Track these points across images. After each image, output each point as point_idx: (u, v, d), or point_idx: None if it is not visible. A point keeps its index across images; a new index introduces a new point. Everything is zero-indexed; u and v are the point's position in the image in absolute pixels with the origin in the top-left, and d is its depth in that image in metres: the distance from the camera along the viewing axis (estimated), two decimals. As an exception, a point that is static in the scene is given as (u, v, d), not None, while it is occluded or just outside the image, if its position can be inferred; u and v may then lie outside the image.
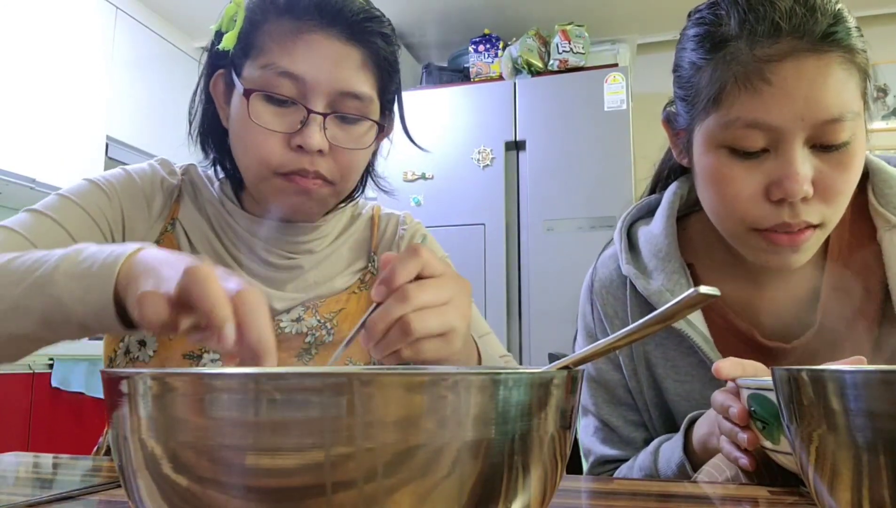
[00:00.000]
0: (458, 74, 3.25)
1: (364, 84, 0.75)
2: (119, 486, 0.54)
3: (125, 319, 0.54)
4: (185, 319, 0.49)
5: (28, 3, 2.54)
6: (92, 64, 2.83)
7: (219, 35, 0.77)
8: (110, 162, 2.90)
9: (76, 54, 2.75)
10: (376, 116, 0.78)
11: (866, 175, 0.76)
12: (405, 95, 0.85)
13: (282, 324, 0.80)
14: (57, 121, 2.65)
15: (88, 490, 0.54)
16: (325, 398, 0.25)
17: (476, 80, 3.10)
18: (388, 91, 0.80)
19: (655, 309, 0.86)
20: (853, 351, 0.72)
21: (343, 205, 0.88)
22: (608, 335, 0.83)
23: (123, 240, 0.78)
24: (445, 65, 3.39)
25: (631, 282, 0.82)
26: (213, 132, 0.83)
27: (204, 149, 0.83)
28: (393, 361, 0.54)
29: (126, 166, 0.83)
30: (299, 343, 0.80)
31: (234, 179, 0.83)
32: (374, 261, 0.88)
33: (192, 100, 0.83)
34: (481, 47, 3.14)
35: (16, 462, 0.66)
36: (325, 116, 0.72)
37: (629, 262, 0.82)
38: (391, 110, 0.84)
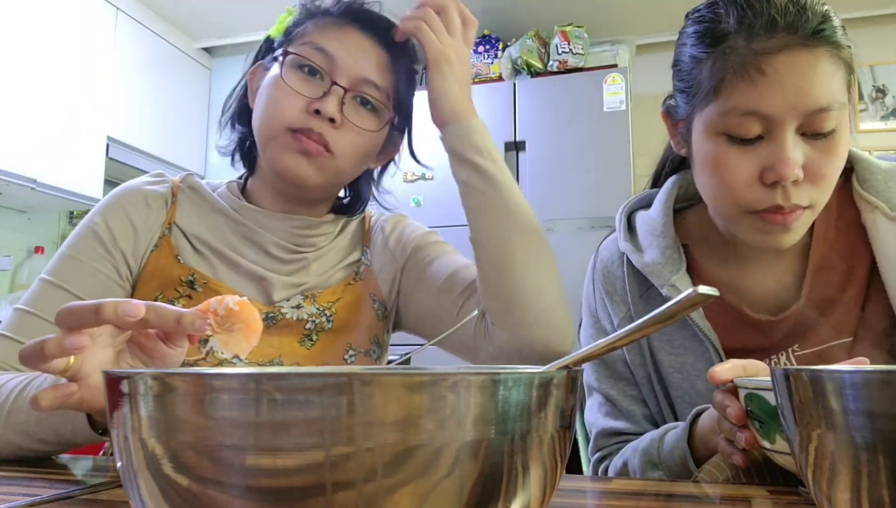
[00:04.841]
0: (458, 75, 3.24)
1: (384, 81, 0.86)
2: (119, 486, 0.54)
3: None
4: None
5: (29, 4, 2.54)
6: (92, 64, 2.83)
7: (268, 40, 0.91)
8: (110, 162, 2.90)
9: (77, 55, 2.75)
10: (387, 119, 0.88)
11: (851, 166, 0.82)
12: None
13: (283, 310, 0.86)
14: (58, 121, 2.65)
15: (89, 490, 0.54)
16: (325, 398, 0.25)
17: (476, 80, 3.10)
18: (402, 104, 0.90)
19: (650, 282, 0.91)
20: (838, 324, 0.77)
21: (344, 214, 0.97)
22: (609, 313, 0.89)
23: (133, 268, 0.85)
24: (445, 65, 3.38)
25: (628, 258, 0.88)
26: (241, 115, 0.94)
27: (232, 125, 0.95)
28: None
29: (114, 197, 0.87)
30: (300, 329, 0.86)
31: (248, 159, 0.94)
32: (366, 254, 0.96)
33: (230, 95, 0.95)
34: (481, 48, 3.14)
35: (16, 462, 0.66)
36: (346, 90, 0.82)
37: (626, 240, 0.88)
38: (402, 131, 0.94)
